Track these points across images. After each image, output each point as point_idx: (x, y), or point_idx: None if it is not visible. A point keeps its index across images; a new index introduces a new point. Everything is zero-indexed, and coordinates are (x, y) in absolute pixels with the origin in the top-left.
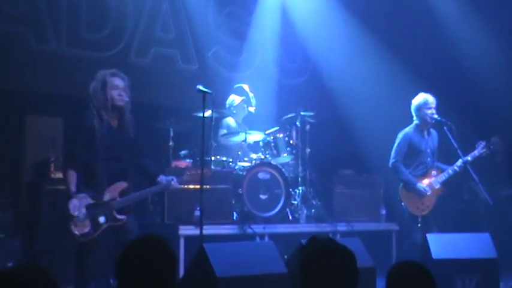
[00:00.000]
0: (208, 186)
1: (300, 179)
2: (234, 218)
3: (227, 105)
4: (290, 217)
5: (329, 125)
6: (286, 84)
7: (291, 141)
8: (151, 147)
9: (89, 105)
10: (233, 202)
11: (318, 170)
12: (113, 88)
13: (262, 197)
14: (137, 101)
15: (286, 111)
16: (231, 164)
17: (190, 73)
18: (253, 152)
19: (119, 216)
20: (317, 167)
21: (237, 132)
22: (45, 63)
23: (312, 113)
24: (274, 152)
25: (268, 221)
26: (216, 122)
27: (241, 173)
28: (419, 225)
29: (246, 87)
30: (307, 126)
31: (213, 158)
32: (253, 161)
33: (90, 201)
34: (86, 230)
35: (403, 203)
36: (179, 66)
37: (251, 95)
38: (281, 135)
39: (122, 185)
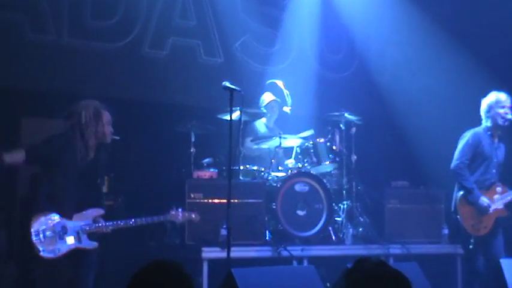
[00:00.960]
0: (236, 201)
1: (344, 191)
2: (267, 238)
3: (259, 105)
4: (333, 237)
5: (379, 127)
6: (328, 80)
7: (334, 147)
8: (168, 155)
9: (73, 129)
10: (266, 219)
11: (366, 181)
12: (108, 123)
13: (300, 213)
14: (152, 101)
15: (328, 111)
16: (263, 174)
17: (215, 67)
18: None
19: (90, 241)
20: (365, 177)
21: (269, 137)
22: (42, 57)
23: (358, 114)
24: (314, 159)
25: (307, 241)
26: (245, 125)
27: (275, 184)
28: (470, 246)
29: (280, 83)
30: (353, 129)
31: (241, 168)
32: (289, 171)
33: (62, 220)
34: (51, 248)
35: (458, 216)
36: (201, 60)
37: (286, 92)
38: (322, 140)
39: (99, 211)
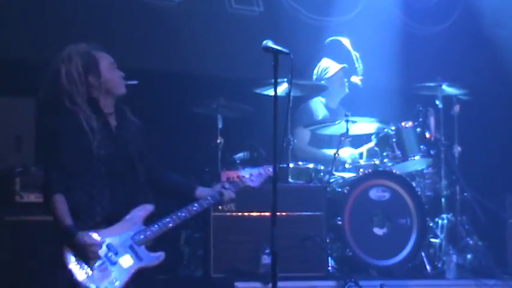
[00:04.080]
0: (284, 214)
1: (443, 199)
2: (330, 268)
3: (315, 76)
4: (428, 268)
5: (495, 105)
6: (417, 36)
7: (428, 135)
8: (185, 148)
9: (57, 102)
10: (327, 241)
11: (476, 185)
12: (111, 68)
13: (378, 231)
14: (160, 70)
15: (417, 82)
16: (322, 174)
17: (251, 20)
18: (360, 154)
19: (153, 254)
20: (475, 179)
21: (332, 121)
22: None
23: (462, 86)
24: (398, 153)
25: (388, 273)
26: (295, 105)
27: (340, 190)
28: None
29: (346, 42)
30: (456, 108)
31: (291, 165)
32: (361, 170)
33: (105, 238)
34: (105, 282)
35: None
36: (231, 9)
37: (355, 55)
38: (409, 125)
39: (147, 208)
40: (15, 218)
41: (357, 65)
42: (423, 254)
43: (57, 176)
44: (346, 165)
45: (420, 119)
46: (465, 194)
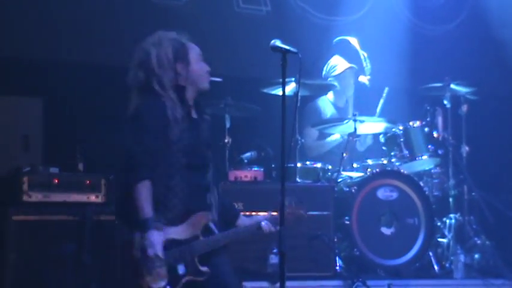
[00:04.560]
0: None
1: (451, 199)
2: (337, 267)
3: (324, 73)
4: (435, 267)
5: (503, 104)
6: (424, 36)
7: (435, 134)
8: None
9: (146, 85)
10: (335, 240)
11: (484, 185)
12: (199, 59)
13: (386, 231)
14: None
15: (425, 81)
16: (330, 174)
17: (258, 20)
18: (368, 154)
19: (202, 268)
20: (483, 178)
21: (339, 120)
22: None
23: (471, 85)
24: (406, 152)
25: (396, 273)
26: (303, 104)
27: (347, 189)
28: None
29: (354, 41)
30: (464, 108)
31: (299, 165)
32: (369, 169)
33: (171, 235)
34: (162, 284)
35: None
36: (239, 9)
37: (363, 55)
38: (417, 124)
39: (208, 216)
40: (23, 217)
41: (364, 65)
42: (431, 253)
43: (144, 160)
44: (354, 165)
45: (428, 119)
46: (473, 193)
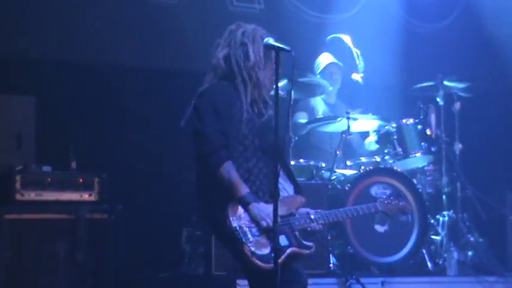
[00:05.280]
0: None
1: (445, 197)
2: (331, 265)
3: (316, 71)
4: (429, 264)
5: (495, 102)
6: (417, 33)
7: (428, 132)
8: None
9: (228, 73)
10: (328, 238)
11: (477, 182)
12: (272, 73)
13: (379, 228)
14: (159, 69)
15: (418, 79)
16: (323, 172)
17: (252, 18)
18: (362, 151)
19: (306, 242)
20: (475, 176)
21: (333, 118)
22: None
23: (463, 82)
24: (399, 150)
25: (389, 270)
26: (295, 102)
27: (341, 187)
28: None
29: (347, 39)
30: (457, 105)
31: (292, 163)
32: (362, 167)
33: (268, 208)
34: (266, 251)
35: None
36: (232, 7)
37: (356, 52)
38: (410, 122)
39: (299, 199)
40: (16, 216)
41: (357, 62)
42: (424, 251)
43: (220, 141)
44: (348, 162)
45: (421, 116)
46: (466, 191)
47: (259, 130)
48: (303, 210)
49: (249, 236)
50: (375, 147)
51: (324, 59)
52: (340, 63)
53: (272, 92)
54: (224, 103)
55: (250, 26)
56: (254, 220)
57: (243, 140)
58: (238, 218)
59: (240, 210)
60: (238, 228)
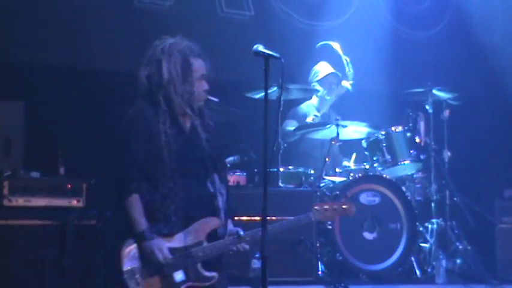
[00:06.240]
0: (274, 218)
1: (433, 204)
2: (320, 272)
3: (309, 78)
4: (417, 272)
5: (484, 110)
6: (406, 41)
7: (417, 139)
8: None
9: (150, 94)
10: (317, 245)
11: (465, 190)
12: (201, 78)
13: (368, 236)
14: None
15: (407, 86)
16: (312, 178)
17: (242, 24)
18: (350, 159)
19: (207, 273)
20: (464, 183)
21: (322, 125)
22: None
23: (452, 90)
24: (388, 157)
25: (378, 278)
26: (285, 109)
27: (330, 194)
28: None
29: (336, 46)
30: (446, 113)
31: (281, 170)
32: (351, 174)
33: (164, 244)
34: None
35: None
36: (222, 14)
37: (346, 59)
38: (399, 129)
39: (213, 222)
40: (3, 221)
41: (347, 70)
42: (413, 258)
43: (132, 174)
44: (337, 170)
45: (410, 124)
46: (455, 198)
47: (178, 152)
48: (233, 229)
49: (138, 278)
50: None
51: (324, 68)
52: (339, 74)
53: (200, 103)
54: (142, 130)
55: (171, 40)
56: (146, 259)
57: (161, 165)
58: (132, 258)
59: (135, 249)
60: (128, 271)
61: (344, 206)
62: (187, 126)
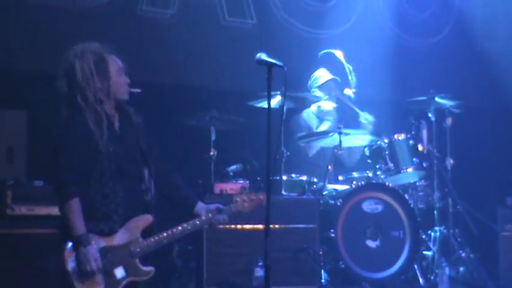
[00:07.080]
0: (277, 226)
1: (436, 212)
2: (322, 280)
3: (309, 84)
4: (420, 280)
5: (487, 118)
6: (408, 49)
7: (420, 147)
8: (178, 159)
9: (70, 97)
10: (320, 253)
11: (469, 198)
12: (119, 72)
13: (371, 244)
14: (152, 82)
15: (410, 94)
16: (315, 187)
17: (244, 33)
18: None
19: (145, 268)
20: (467, 191)
21: (325, 133)
22: None
23: (455, 98)
24: (391, 165)
25: (381, 286)
26: (288, 117)
27: (333, 202)
28: None
29: (339, 54)
30: (448, 121)
31: (284, 178)
32: (354, 182)
33: (102, 243)
34: None
35: None
36: (225, 22)
37: (348, 68)
38: (402, 137)
39: (146, 219)
40: (7, 230)
41: (350, 78)
42: (416, 266)
43: (70, 178)
44: (340, 177)
45: (413, 132)
46: (457, 206)
47: (114, 153)
48: (212, 206)
49: (82, 277)
50: (358, 156)
51: (323, 74)
52: (339, 79)
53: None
54: (76, 134)
55: (83, 44)
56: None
57: (99, 166)
58: (75, 259)
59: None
60: (72, 271)
61: (261, 197)
62: (117, 126)
